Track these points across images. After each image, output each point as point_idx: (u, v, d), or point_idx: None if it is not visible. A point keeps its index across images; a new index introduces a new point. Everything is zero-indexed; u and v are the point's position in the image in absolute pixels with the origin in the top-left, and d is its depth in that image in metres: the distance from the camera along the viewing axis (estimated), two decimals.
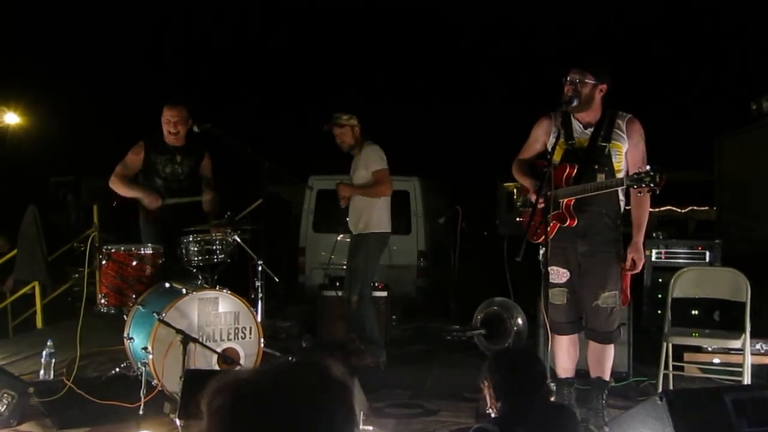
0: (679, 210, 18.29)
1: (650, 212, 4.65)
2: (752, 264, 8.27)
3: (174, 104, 5.77)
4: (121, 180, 5.73)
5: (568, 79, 4.36)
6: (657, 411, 3.30)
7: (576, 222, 4.31)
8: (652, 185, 3.82)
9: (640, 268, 4.41)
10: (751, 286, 5.10)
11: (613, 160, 4.33)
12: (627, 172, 4.34)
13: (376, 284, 7.43)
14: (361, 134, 6.23)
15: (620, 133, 4.34)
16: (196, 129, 5.71)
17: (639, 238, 4.39)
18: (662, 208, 17.75)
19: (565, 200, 4.29)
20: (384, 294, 7.28)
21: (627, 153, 4.36)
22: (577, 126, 4.42)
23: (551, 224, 4.23)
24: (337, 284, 7.39)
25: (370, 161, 6.12)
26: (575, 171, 4.29)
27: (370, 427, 3.92)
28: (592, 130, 4.37)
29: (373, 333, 6.10)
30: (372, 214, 6.12)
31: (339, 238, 9.17)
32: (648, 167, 3.86)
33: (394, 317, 7.56)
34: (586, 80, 4.31)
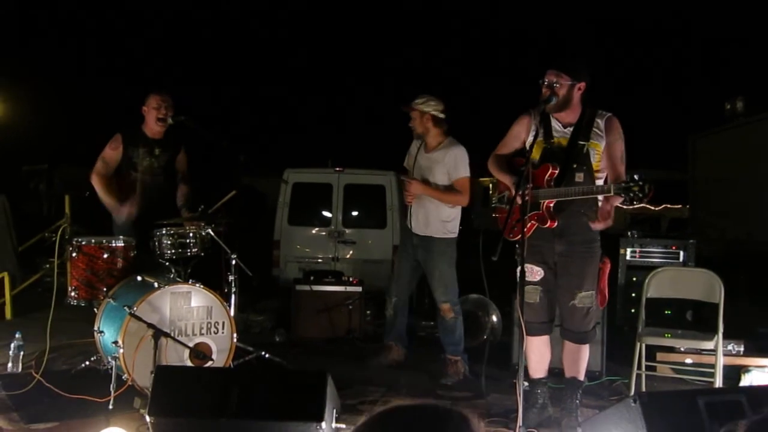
0: (653, 208, 18.37)
1: (624, 209, 4.63)
2: (724, 263, 8.36)
3: (163, 91, 5.78)
4: (102, 180, 5.63)
5: (545, 81, 4.30)
6: (631, 413, 3.31)
7: (556, 223, 4.29)
8: (640, 195, 3.77)
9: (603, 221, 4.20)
10: (723, 287, 5.13)
11: (592, 159, 4.30)
12: (606, 170, 4.32)
13: (351, 279, 7.40)
14: (440, 125, 5.72)
15: (598, 132, 4.32)
16: (170, 121, 5.66)
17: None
18: (637, 206, 17.73)
19: (546, 201, 4.26)
20: (359, 289, 7.26)
21: (605, 151, 4.32)
22: (556, 125, 4.38)
23: (529, 224, 4.20)
24: (312, 278, 7.35)
25: (458, 165, 5.64)
26: (557, 172, 4.26)
27: (343, 425, 3.88)
28: (572, 129, 4.34)
29: (461, 341, 5.81)
30: (451, 218, 5.73)
31: (314, 232, 9.16)
32: (637, 176, 3.76)
33: (368, 312, 7.53)
34: (563, 81, 4.26)
